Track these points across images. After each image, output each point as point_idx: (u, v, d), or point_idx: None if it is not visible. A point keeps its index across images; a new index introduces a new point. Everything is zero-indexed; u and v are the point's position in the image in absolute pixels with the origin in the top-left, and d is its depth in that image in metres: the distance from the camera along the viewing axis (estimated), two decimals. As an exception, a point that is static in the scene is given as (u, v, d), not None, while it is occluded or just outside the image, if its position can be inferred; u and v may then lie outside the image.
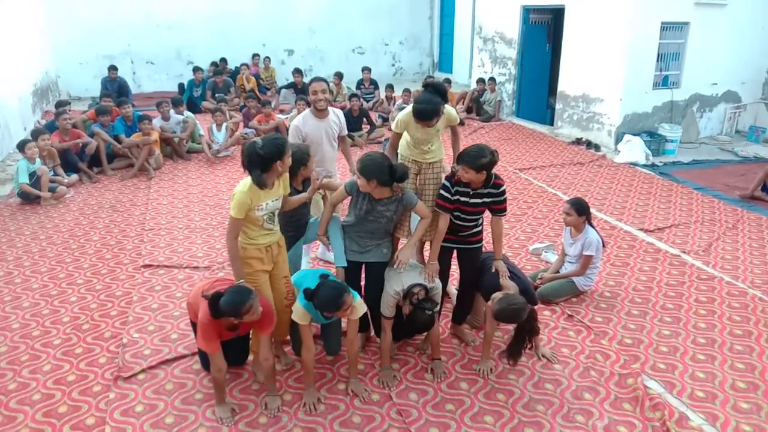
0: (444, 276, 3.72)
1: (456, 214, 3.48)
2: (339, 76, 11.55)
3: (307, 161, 3.48)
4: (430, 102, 3.39)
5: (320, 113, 4.38)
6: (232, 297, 2.85)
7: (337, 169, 4.70)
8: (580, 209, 4.28)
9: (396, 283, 3.30)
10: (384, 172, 3.14)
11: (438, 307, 3.46)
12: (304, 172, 3.51)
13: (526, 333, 3.36)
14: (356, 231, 3.42)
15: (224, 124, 8.55)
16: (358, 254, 3.44)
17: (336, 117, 4.50)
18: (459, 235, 3.60)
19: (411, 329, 3.66)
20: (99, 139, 7.61)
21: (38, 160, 6.61)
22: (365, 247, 3.42)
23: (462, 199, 3.44)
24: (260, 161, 2.94)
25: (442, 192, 3.46)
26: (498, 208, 3.48)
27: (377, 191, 3.23)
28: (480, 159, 3.23)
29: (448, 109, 3.62)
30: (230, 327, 3.05)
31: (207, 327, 2.96)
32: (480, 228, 3.66)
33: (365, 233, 3.40)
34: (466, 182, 3.37)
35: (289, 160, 3.07)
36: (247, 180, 3.02)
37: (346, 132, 4.62)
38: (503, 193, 3.42)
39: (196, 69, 11.60)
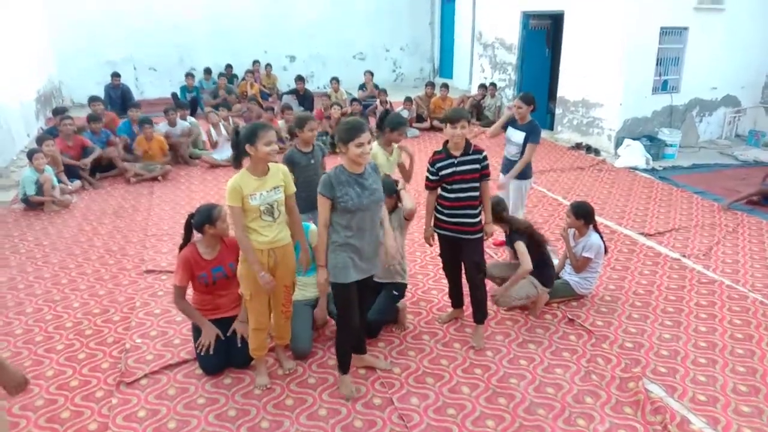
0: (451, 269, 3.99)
1: (455, 186, 3.65)
2: (337, 80, 11.58)
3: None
4: None
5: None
6: (204, 207, 3.50)
7: None
8: (577, 212, 4.34)
9: None
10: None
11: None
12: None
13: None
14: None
15: (221, 124, 8.60)
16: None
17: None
18: (460, 222, 3.68)
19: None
20: (117, 147, 7.87)
21: (47, 167, 6.61)
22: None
23: (450, 170, 3.64)
24: (236, 144, 3.13)
25: (427, 175, 3.75)
26: (485, 173, 3.69)
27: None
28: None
29: None
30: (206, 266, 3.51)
31: (183, 259, 3.49)
32: (479, 219, 3.71)
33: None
34: (447, 153, 3.68)
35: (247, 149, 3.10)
36: (243, 170, 3.15)
37: None
38: (486, 158, 3.68)
39: (187, 75, 11.73)
